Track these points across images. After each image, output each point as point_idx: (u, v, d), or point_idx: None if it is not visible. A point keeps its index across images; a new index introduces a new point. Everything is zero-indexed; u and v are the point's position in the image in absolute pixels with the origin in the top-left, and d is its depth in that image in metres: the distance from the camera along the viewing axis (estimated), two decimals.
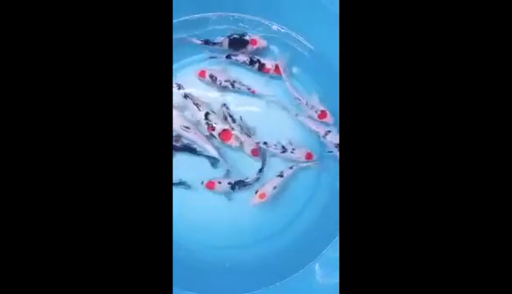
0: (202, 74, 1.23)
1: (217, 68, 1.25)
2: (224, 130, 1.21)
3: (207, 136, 1.23)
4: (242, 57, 1.25)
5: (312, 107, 1.23)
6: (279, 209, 1.26)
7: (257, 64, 1.24)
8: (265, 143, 1.22)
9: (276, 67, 1.24)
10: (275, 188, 1.20)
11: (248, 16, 1.26)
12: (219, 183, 1.21)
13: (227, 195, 1.24)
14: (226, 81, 1.23)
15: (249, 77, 1.26)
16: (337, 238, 1.20)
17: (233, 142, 1.21)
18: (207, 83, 1.25)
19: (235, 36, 1.23)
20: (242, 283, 1.21)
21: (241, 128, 1.23)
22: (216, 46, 1.24)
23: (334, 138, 1.22)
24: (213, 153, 1.22)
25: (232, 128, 1.22)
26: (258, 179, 1.23)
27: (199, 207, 1.25)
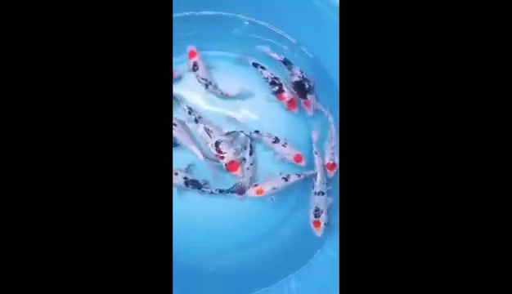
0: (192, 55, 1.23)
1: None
2: (232, 161, 1.20)
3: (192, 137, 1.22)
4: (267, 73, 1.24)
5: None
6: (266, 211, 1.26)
7: (276, 87, 1.24)
8: (256, 131, 1.22)
9: (291, 101, 1.23)
10: (274, 189, 1.20)
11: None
12: (175, 174, 1.20)
13: (179, 189, 1.22)
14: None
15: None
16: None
17: (239, 173, 1.21)
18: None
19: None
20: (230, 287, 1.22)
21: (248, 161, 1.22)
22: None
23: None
24: (199, 154, 1.21)
25: (243, 159, 1.22)
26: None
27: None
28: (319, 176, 1.22)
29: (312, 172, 1.22)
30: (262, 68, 1.24)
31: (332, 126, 1.24)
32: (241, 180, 1.21)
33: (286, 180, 1.20)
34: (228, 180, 1.22)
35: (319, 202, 1.20)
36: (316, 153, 1.23)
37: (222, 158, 1.19)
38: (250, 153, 1.21)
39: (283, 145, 1.22)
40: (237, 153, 1.21)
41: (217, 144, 1.19)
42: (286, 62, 1.24)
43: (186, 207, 1.22)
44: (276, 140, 1.22)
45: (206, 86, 1.23)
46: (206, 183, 1.22)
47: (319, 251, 1.23)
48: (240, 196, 1.22)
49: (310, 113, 1.24)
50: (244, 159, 1.22)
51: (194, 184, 1.20)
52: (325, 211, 1.20)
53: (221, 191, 1.21)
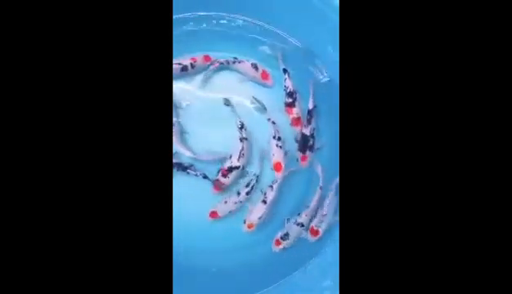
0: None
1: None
2: (222, 183, 1.22)
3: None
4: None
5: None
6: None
7: (290, 100, 1.26)
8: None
9: (297, 119, 1.26)
10: (260, 218, 1.21)
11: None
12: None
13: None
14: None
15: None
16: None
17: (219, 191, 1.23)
18: None
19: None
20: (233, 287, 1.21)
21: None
22: None
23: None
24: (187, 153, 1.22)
25: (238, 193, 1.24)
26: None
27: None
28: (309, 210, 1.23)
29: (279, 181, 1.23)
30: (289, 76, 1.26)
31: (319, 189, 1.23)
32: (223, 181, 1.22)
33: (265, 202, 1.22)
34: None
35: (293, 230, 1.22)
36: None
37: (223, 178, 1.21)
38: (247, 193, 1.22)
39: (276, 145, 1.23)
40: (234, 184, 1.23)
41: (230, 169, 1.21)
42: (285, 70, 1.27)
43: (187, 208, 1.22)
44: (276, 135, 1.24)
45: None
46: (192, 165, 1.22)
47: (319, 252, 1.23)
48: (216, 191, 1.22)
49: (305, 166, 1.25)
50: (238, 193, 1.23)
51: (179, 166, 1.22)
52: (292, 239, 1.22)
53: (204, 177, 1.23)
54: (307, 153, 1.24)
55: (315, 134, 1.25)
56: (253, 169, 1.25)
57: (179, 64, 1.23)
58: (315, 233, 1.21)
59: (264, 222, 1.22)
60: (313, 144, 1.24)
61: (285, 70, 1.26)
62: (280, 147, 1.23)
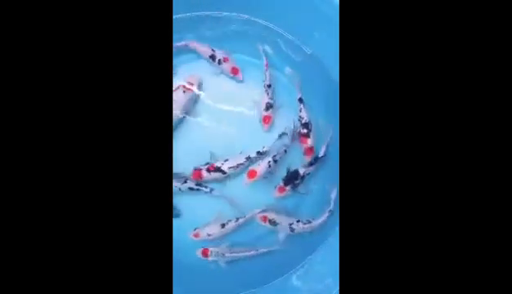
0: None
1: None
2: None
3: None
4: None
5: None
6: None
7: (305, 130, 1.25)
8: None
9: (310, 149, 1.25)
10: (209, 235, 1.20)
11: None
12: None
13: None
14: None
15: None
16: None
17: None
18: None
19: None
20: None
21: None
22: None
23: None
24: None
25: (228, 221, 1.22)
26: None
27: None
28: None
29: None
30: (304, 106, 1.25)
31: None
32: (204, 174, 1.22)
33: (223, 226, 1.20)
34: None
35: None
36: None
37: (207, 172, 1.21)
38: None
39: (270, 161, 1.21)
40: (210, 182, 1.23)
41: (217, 169, 1.20)
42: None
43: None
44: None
45: None
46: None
47: (319, 247, 1.24)
48: (193, 178, 1.23)
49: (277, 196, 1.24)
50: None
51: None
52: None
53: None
54: (287, 188, 1.22)
55: (306, 178, 1.23)
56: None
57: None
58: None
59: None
60: (298, 185, 1.23)
61: (300, 100, 1.26)
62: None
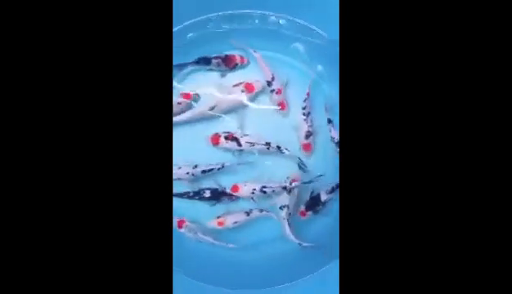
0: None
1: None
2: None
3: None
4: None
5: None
6: None
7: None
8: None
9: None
10: (235, 222, 1.23)
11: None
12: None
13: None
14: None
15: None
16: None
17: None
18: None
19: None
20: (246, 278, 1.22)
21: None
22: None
23: None
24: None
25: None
26: None
27: None
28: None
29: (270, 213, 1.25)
30: (333, 126, 1.29)
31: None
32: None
33: (248, 214, 1.23)
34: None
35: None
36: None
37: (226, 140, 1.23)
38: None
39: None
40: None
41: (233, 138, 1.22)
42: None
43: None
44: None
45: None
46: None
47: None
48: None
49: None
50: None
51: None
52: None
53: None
54: (309, 213, 1.25)
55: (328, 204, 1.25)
56: None
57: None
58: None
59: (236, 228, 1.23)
60: (319, 211, 1.25)
61: (329, 120, 1.29)
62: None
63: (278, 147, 1.24)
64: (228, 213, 1.23)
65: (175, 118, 1.24)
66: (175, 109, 1.24)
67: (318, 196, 1.24)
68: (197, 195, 1.24)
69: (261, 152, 1.25)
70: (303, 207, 1.25)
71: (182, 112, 1.25)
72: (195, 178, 1.25)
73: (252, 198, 1.24)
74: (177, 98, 1.25)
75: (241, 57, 1.30)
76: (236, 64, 1.29)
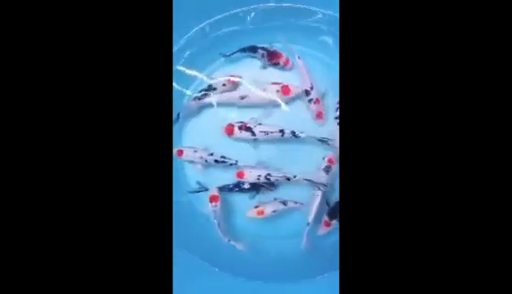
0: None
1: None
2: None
3: None
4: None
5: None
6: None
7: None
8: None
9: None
10: (274, 212, 1.22)
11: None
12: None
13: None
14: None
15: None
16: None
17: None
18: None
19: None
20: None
21: None
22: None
23: None
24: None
25: None
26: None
27: None
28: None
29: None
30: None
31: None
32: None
33: (285, 204, 1.23)
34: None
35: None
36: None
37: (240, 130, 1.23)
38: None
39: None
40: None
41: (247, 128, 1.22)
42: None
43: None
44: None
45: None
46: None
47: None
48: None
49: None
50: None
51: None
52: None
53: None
54: (333, 222, 1.22)
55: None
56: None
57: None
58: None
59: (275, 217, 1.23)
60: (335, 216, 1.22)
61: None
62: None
63: (293, 132, 1.22)
64: (267, 202, 1.24)
65: (203, 100, 1.26)
66: (219, 88, 1.26)
67: (337, 202, 1.22)
68: (237, 187, 1.25)
69: (276, 140, 1.24)
70: (325, 217, 1.22)
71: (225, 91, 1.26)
72: (207, 164, 1.27)
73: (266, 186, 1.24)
74: (223, 79, 1.27)
75: (287, 59, 1.29)
76: (279, 63, 1.29)
